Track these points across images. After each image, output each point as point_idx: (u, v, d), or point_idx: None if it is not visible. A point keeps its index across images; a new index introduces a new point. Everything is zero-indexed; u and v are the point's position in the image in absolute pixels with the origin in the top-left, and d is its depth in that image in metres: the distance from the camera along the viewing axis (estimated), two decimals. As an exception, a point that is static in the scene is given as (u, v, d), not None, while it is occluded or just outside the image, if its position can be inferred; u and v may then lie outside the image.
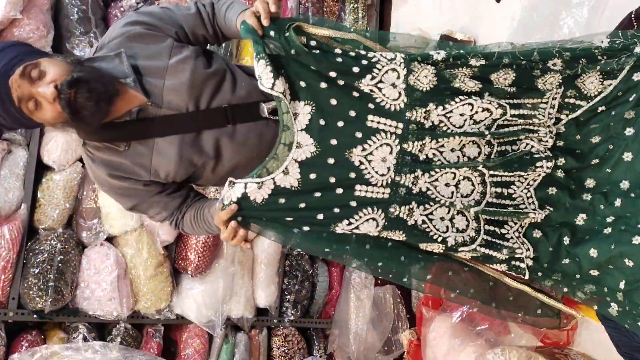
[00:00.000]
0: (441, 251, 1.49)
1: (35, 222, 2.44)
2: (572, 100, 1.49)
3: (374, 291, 2.76)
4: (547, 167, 1.47)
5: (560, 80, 1.46)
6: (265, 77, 1.31)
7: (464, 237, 1.48)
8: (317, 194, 1.38)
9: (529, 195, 1.52)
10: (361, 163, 1.38)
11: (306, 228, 1.41)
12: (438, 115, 1.42)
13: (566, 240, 1.48)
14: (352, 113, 1.37)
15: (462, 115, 1.42)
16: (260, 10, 1.33)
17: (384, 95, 1.39)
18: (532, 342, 1.95)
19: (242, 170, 1.45)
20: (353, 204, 1.40)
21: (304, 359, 2.90)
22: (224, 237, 1.37)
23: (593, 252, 1.41)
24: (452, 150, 1.45)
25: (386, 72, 1.40)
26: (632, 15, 1.71)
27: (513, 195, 1.51)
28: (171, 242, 2.65)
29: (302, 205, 1.38)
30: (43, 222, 2.42)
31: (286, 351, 2.88)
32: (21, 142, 2.41)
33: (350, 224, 1.41)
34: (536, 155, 1.47)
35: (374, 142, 1.39)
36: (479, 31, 2.55)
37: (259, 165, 1.36)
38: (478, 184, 1.48)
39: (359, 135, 1.37)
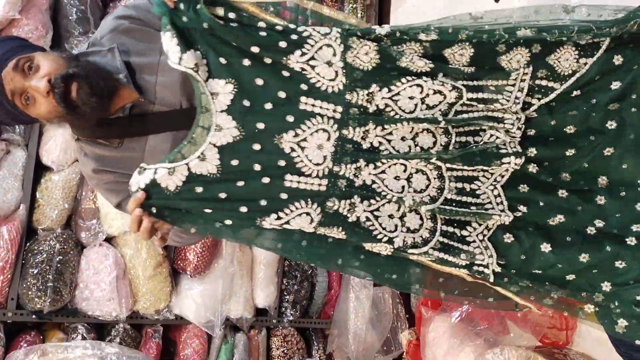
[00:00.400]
0: (389, 253, 1.30)
1: (34, 223, 2.43)
2: (543, 82, 1.30)
3: (373, 291, 2.76)
4: (516, 164, 1.28)
5: (529, 58, 1.28)
6: (172, 51, 1.16)
7: (414, 238, 1.30)
8: (240, 183, 1.23)
9: (496, 193, 1.32)
10: (292, 150, 1.23)
11: (228, 222, 1.25)
12: (383, 98, 1.25)
13: (545, 247, 1.31)
14: (282, 94, 1.22)
15: (411, 98, 1.25)
16: None
17: (317, 74, 1.23)
18: (531, 342, 1.95)
19: None
20: (283, 196, 1.25)
21: (303, 359, 2.90)
22: (129, 227, 1.25)
23: (583, 258, 1.31)
24: (403, 139, 1.28)
25: (320, 48, 1.22)
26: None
27: (477, 192, 1.33)
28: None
29: (223, 195, 1.23)
30: (42, 223, 2.42)
31: (285, 351, 2.88)
32: (20, 142, 2.41)
33: (279, 218, 1.25)
34: (502, 150, 1.28)
35: (308, 128, 1.24)
36: (477, 31, 2.55)
37: (173, 150, 1.23)
38: (434, 178, 1.31)
39: (290, 119, 1.23)
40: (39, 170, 2.44)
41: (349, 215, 1.28)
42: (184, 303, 2.65)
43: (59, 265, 2.37)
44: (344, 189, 1.27)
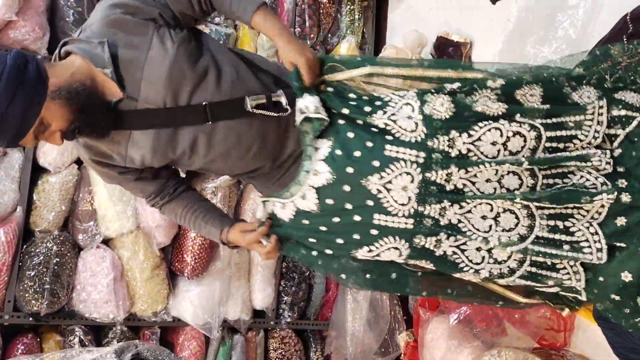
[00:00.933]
0: (478, 281, 1.43)
1: (31, 225, 2.43)
2: (622, 112, 1.33)
3: (370, 293, 2.76)
4: (608, 199, 1.28)
5: (599, 94, 1.34)
6: (314, 104, 1.39)
7: (501, 269, 1.36)
8: (336, 219, 1.39)
9: (592, 231, 1.32)
10: (379, 192, 1.35)
11: (328, 251, 1.45)
12: (464, 143, 1.34)
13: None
14: (369, 144, 1.35)
15: (493, 144, 1.32)
16: (307, 74, 1.39)
17: (399, 127, 1.35)
18: (529, 344, 1.95)
19: (218, 165, 1.49)
20: (373, 232, 1.38)
21: (301, 361, 2.90)
22: (265, 252, 1.49)
23: None
24: (487, 180, 1.34)
25: (400, 107, 1.38)
26: (628, 17, 1.71)
27: (571, 229, 1.32)
28: (167, 244, 2.65)
29: (324, 228, 1.41)
30: (39, 225, 2.41)
31: (283, 353, 2.88)
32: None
33: (370, 250, 1.40)
34: (592, 189, 1.29)
35: (393, 171, 1.34)
36: (474, 32, 2.55)
37: (285, 188, 1.43)
38: (524, 217, 1.33)
39: (376, 163, 1.34)
40: (36, 172, 2.44)
41: (435, 250, 1.37)
42: (181, 305, 2.65)
43: (56, 267, 2.36)
44: (430, 227, 1.36)
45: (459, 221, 1.35)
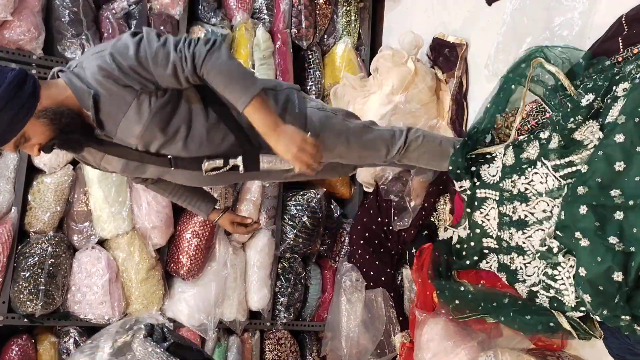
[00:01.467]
0: (524, 295, 1.80)
1: (25, 226, 2.42)
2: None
3: (365, 294, 2.76)
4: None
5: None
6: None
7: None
8: (472, 243, 1.96)
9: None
10: (482, 222, 1.91)
11: (468, 262, 2.00)
12: (522, 183, 1.78)
13: None
14: (468, 192, 1.96)
15: (542, 183, 1.73)
16: (299, 167, 1.57)
17: (488, 172, 1.92)
18: (525, 345, 1.95)
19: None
20: (485, 250, 1.94)
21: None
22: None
23: None
24: (544, 211, 1.73)
25: (498, 159, 1.91)
26: (623, 19, 1.72)
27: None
28: (163, 245, 2.64)
29: (464, 252, 2.00)
30: (34, 226, 2.40)
31: (279, 354, 2.87)
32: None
33: (487, 263, 1.95)
34: None
35: (485, 208, 1.91)
36: (470, 34, 2.55)
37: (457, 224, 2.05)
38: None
39: (476, 203, 1.93)
40: (31, 172, 2.43)
41: (510, 265, 1.85)
42: (176, 306, 2.64)
43: (51, 268, 2.35)
44: (505, 248, 1.84)
45: (523, 243, 1.78)
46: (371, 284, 2.78)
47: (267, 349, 2.89)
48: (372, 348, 2.70)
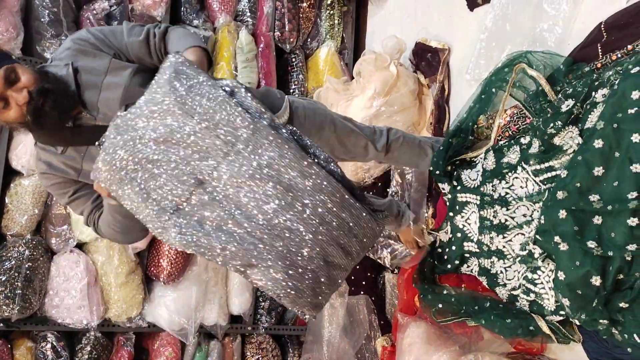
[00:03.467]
0: (504, 298, 1.79)
1: (2, 229, 2.38)
2: None
3: (347, 299, 2.76)
4: None
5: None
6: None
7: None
8: (454, 247, 1.95)
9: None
10: (464, 226, 1.92)
11: (449, 266, 1.99)
12: (503, 188, 1.78)
13: None
14: (449, 195, 1.97)
15: (522, 187, 1.74)
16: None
17: (469, 177, 1.92)
18: (505, 348, 1.96)
19: None
20: (467, 255, 1.94)
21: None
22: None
23: None
24: (524, 215, 1.73)
25: (478, 163, 1.91)
26: (602, 26, 1.74)
27: None
28: (143, 249, 2.61)
29: (446, 256, 1.98)
30: (11, 228, 2.37)
31: (260, 359, 2.86)
32: (-12, 146, 2.35)
33: (468, 267, 1.94)
34: None
35: (466, 212, 1.91)
36: (452, 39, 2.57)
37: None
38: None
39: (457, 207, 1.93)
40: (9, 175, 2.39)
41: (490, 269, 1.83)
42: (157, 310, 2.61)
43: (28, 272, 2.31)
44: (486, 252, 1.83)
45: (504, 246, 1.78)
46: (352, 288, 2.78)
47: (248, 354, 2.88)
48: (353, 353, 2.70)
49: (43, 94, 1.43)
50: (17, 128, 1.55)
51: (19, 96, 1.42)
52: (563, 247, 1.51)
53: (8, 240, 2.37)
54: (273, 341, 2.93)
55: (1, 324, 2.31)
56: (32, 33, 2.49)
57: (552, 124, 1.64)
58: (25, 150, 2.34)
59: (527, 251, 1.70)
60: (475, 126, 2.00)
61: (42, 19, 2.46)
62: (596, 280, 1.44)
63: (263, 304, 2.87)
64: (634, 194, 1.37)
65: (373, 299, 2.75)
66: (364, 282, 2.79)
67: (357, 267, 2.79)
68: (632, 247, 1.39)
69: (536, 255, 1.66)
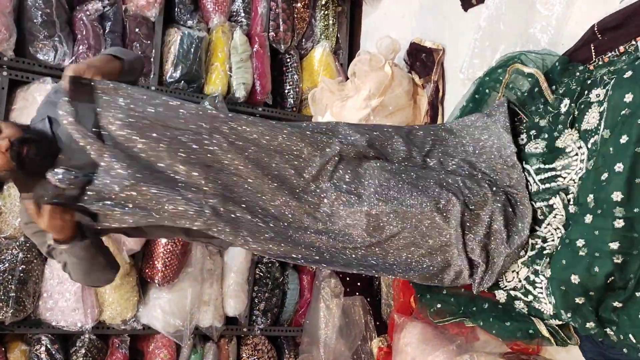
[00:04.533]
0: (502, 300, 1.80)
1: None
2: None
3: (343, 300, 2.76)
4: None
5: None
6: None
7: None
8: None
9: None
10: None
11: None
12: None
13: None
14: None
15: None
16: None
17: None
18: (501, 349, 1.96)
19: None
20: None
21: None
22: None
23: None
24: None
25: None
26: (595, 28, 1.74)
27: None
28: (138, 251, 2.60)
29: None
30: (4, 231, 2.36)
31: (255, 360, 2.86)
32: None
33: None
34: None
35: None
36: (447, 39, 2.57)
37: None
38: None
39: None
40: (1, 177, 2.37)
41: None
42: (151, 312, 2.60)
43: (21, 274, 2.30)
44: None
45: None
46: (347, 289, 2.78)
47: (244, 355, 2.87)
48: (349, 354, 2.70)
49: (24, 141, 1.52)
50: (5, 178, 1.60)
51: (1, 143, 1.51)
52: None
53: (1, 242, 2.35)
54: (269, 342, 2.93)
55: (-5, 327, 2.30)
56: (25, 34, 2.47)
57: (554, 126, 1.65)
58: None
59: (535, 251, 1.69)
60: None
61: (35, 20, 2.45)
62: (575, 280, 1.45)
63: (259, 305, 2.87)
64: (619, 195, 1.38)
65: (368, 299, 2.75)
66: (358, 283, 2.79)
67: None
68: (614, 245, 1.39)
69: (546, 251, 1.65)
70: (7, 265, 2.29)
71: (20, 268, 2.30)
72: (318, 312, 2.76)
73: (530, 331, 1.69)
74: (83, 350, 2.46)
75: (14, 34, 2.41)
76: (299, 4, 3.11)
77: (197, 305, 2.68)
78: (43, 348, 2.40)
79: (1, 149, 1.51)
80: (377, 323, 2.71)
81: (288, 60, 3.10)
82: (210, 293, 2.74)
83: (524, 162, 1.73)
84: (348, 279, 2.78)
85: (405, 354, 2.08)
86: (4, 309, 2.26)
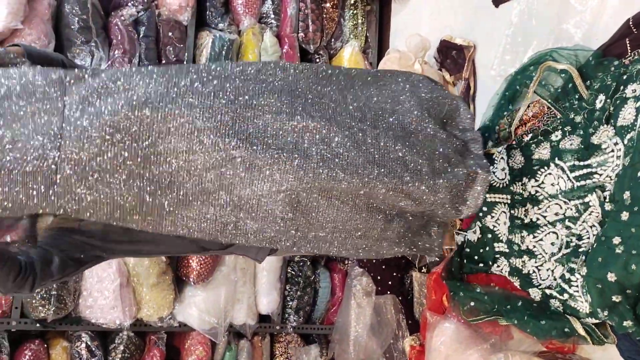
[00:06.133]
0: (537, 298, 1.78)
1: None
2: None
3: (374, 298, 2.76)
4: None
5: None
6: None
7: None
8: (487, 248, 1.95)
9: None
10: (494, 226, 1.91)
11: (481, 265, 1.99)
12: (532, 186, 1.78)
13: None
14: None
15: (553, 185, 1.73)
16: None
17: (497, 177, 1.88)
18: (536, 347, 1.94)
19: None
20: (497, 255, 1.93)
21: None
22: None
23: None
24: (556, 214, 1.72)
25: (499, 161, 1.89)
26: (630, 22, 1.71)
27: None
28: (173, 250, 2.65)
29: (476, 256, 1.99)
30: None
31: (289, 358, 2.88)
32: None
33: (498, 266, 1.94)
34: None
35: (496, 212, 1.90)
36: (477, 36, 2.55)
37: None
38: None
39: (485, 208, 1.91)
40: (42, 179, 2.45)
41: (522, 269, 1.83)
42: (187, 310, 2.65)
43: (62, 273, 2.37)
44: (517, 251, 1.83)
45: (534, 246, 1.78)
46: (379, 288, 2.78)
47: (277, 352, 2.90)
48: (380, 352, 2.70)
49: None
50: None
51: None
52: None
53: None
54: (301, 340, 2.95)
55: (38, 325, 2.38)
56: (63, 40, 2.54)
57: (590, 122, 1.63)
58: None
59: (570, 248, 1.68)
60: (497, 127, 1.99)
61: (72, 27, 2.52)
62: (612, 278, 1.43)
63: (291, 303, 2.89)
64: None
65: (400, 298, 2.75)
66: (390, 282, 2.79)
67: (383, 267, 2.79)
68: None
69: (582, 249, 1.64)
70: (48, 264, 2.36)
71: (61, 267, 2.37)
72: (349, 310, 2.77)
73: (566, 330, 1.67)
74: (121, 347, 2.52)
75: (53, 40, 2.49)
76: (327, 4, 3.12)
77: (231, 303, 2.72)
78: (83, 345, 2.47)
79: None
80: (410, 322, 2.71)
81: (317, 60, 3.12)
82: (243, 291, 2.78)
83: (557, 159, 1.71)
84: (379, 278, 2.78)
85: (439, 352, 2.08)
86: (47, 307, 2.33)
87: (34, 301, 2.33)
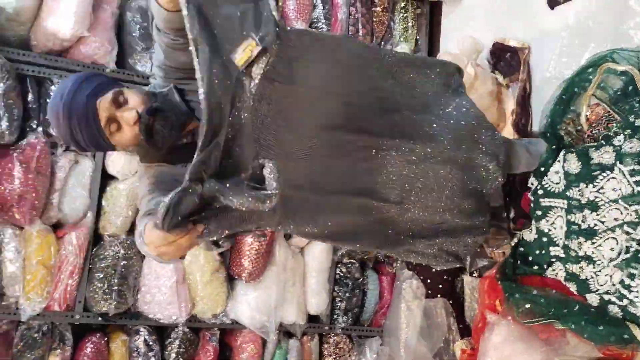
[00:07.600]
0: (595, 303, 1.78)
1: (100, 229, 2.54)
2: None
3: (424, 302, 2.75)
4: None
5: None
6: None
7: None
8: (543, 251, 1.93)
9: None
10: (549, 230, 1.91)
11: (536, 267, 1.97)
12: (591, 192, 1.76)
13: None
14: (532, 198, 1.96)
15: (614, 190, 1.71)
16: None
17: (550, 180, 1.87)
18: (593, 354, 1.91)
19: None
20: (552, 259, 1.92)
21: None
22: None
23: None
24: (616, 219, 1.70)
25: (554, 163, 1.88)
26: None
27: None
28: (227, 249, 2.71)
29: (530, 257, 1.98)
30: (107, 229, 2.52)
31: (337, 358, 2.90)
32: (87, 153, 2.52)
33: (553, 270, 1.92)
34: None
35: (551, 216, 1.90)
36: (532, 38, 2.52)
37: None
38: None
39: (539, 212, 1.91)
40: (105, 179, 2.55)
41: (580, 274, 1.82)
42: (239, 308, 2.71)
43: (123, 270, 2.46)
44: (574, 257, 1.82)
45: (593, 252, 1.76)
46: (429, 291, 2.77)
47: (325, 353, 2.92)
48: (431, 356, 2.69)
49: (151, 112, 1.40)
50: (131, 151, 1.54)
51: (129, 116, 1.40)
52: None
53: (105, 240, 2.52)
54: (350, 341, 2.97)
55: (100, 318, 2.47)
56: (125, 47, 2.65)
57: None
58: (120, 156, 2.49)
59: (630, 254, 1.64)
60: (556, 132, 1.96)
61: (134, 34, 2.62)
62: None
63: (340, 304, 2.91)
64: None
65: (450, 302, 2.74)
66: (440, 286, 2.78)
67: (433, 270, 2.78)
68: None
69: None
70: (110, 261, 2.46)
71: (122, 264, 2.47)
72: (399, 313, 2.77)
73: (625, 336, 1.64)
74: (177, 342, 2.59)
75: (115, 47, 2.59)
76: (377, 8, 3.14)
77: (281, 303, 2.76)
78: (141, 339, 2.55)
79: (129, 122, 1.39)
80: (461, 326, 2.69)
81: (368, 63, 3.13)
82: (293, 291, 2.81)
83: (619, 163, 1.68)
84: (429, 281, 2.78)
85: (499, 351, 2.04)
86: (108, 301, 2.43)
87: (96, 296, 2.43)
